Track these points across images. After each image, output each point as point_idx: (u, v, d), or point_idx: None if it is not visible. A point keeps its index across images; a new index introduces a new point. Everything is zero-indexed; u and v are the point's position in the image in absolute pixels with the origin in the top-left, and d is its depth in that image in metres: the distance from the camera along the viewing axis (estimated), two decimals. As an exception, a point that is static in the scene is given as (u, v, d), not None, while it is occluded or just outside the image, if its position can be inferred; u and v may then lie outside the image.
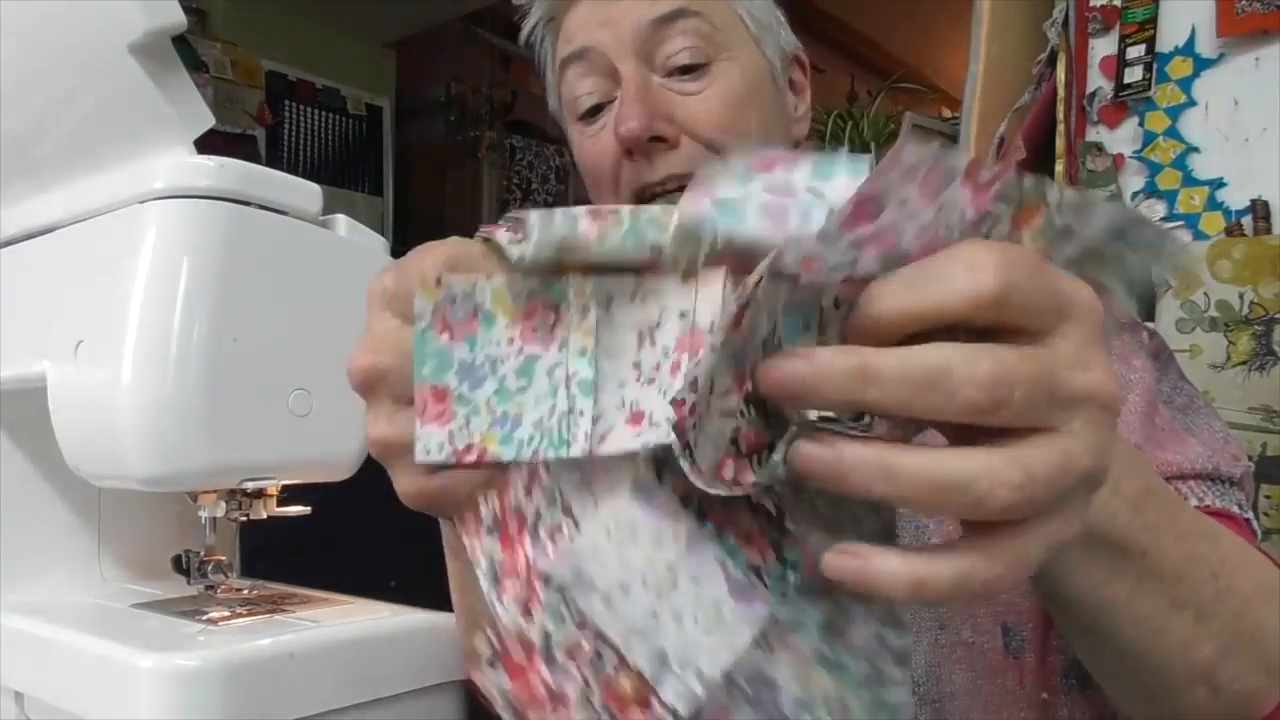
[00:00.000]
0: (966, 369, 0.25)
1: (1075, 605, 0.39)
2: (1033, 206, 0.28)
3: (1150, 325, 0.61)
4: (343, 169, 3.09)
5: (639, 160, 0.63)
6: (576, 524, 0.30)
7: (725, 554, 0.29)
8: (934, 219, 0.26)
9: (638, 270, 0.30)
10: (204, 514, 0.63)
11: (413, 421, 0.30)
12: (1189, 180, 1.37)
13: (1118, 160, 1.42)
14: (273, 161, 2.81)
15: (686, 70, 0.63)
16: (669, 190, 0.63)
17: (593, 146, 0.66)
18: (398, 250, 0.43)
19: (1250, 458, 0.97)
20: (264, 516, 0.64)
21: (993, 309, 0.25)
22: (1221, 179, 1.34)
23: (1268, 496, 1.22)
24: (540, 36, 0.70)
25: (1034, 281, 0.26)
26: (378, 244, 0.66)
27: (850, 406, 0.26)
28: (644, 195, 0.64)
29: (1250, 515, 0.54)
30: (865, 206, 0.25)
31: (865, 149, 1.96)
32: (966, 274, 0.25)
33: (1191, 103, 1.36)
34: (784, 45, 0.69)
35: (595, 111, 0.65)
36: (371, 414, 0.32)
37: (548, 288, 0.30)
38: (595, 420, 0.29)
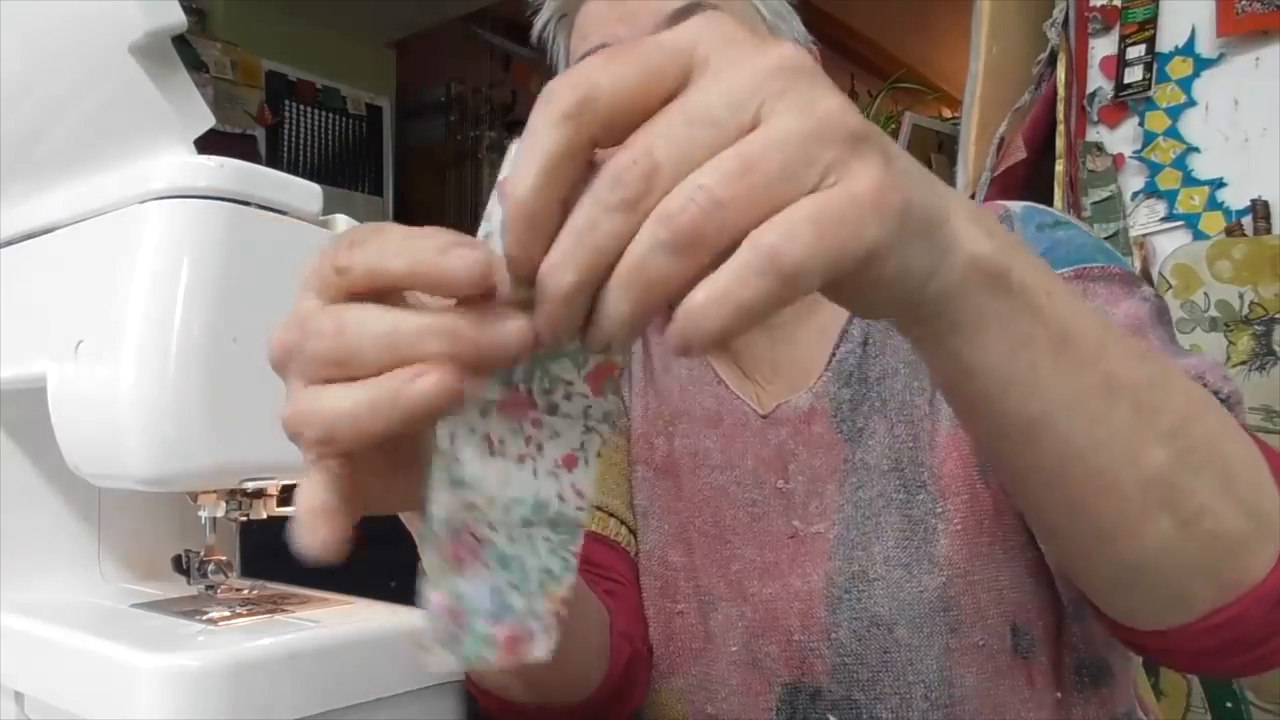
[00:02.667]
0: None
1: (993, 389, 0.34)
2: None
3: (1152, 287, 0.60)
4: (343, 169, 3.10)
5: None
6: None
7: None
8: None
9: None
10: (204, 514, 0.63)
11: (319, 397, 0.30)
12: (1189, 180, 1.37)
13: (1118, 160, 1.42)
14: (273, 161, 2.81)
15: None
16: None
17: None
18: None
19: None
20: (264, 516, 0.64)
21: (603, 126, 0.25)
22: (1221, 179, 1.34)
23: (1268, 496, 1.22)
24: (552, 34, 0.70)
25: (620, 65, 0.25)
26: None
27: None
28: None
29: None
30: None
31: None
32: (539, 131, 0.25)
33: (1191, 103, 1.36)
34: (797, 37, 0.69)
35: None
36: (286, 391, 0.31)
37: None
38: None
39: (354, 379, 0.28)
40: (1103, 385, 0.35)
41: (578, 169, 0.26)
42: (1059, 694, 0.60)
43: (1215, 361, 0.53)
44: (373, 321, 0.28)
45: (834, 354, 0.68)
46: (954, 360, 0.34)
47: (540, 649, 0.34)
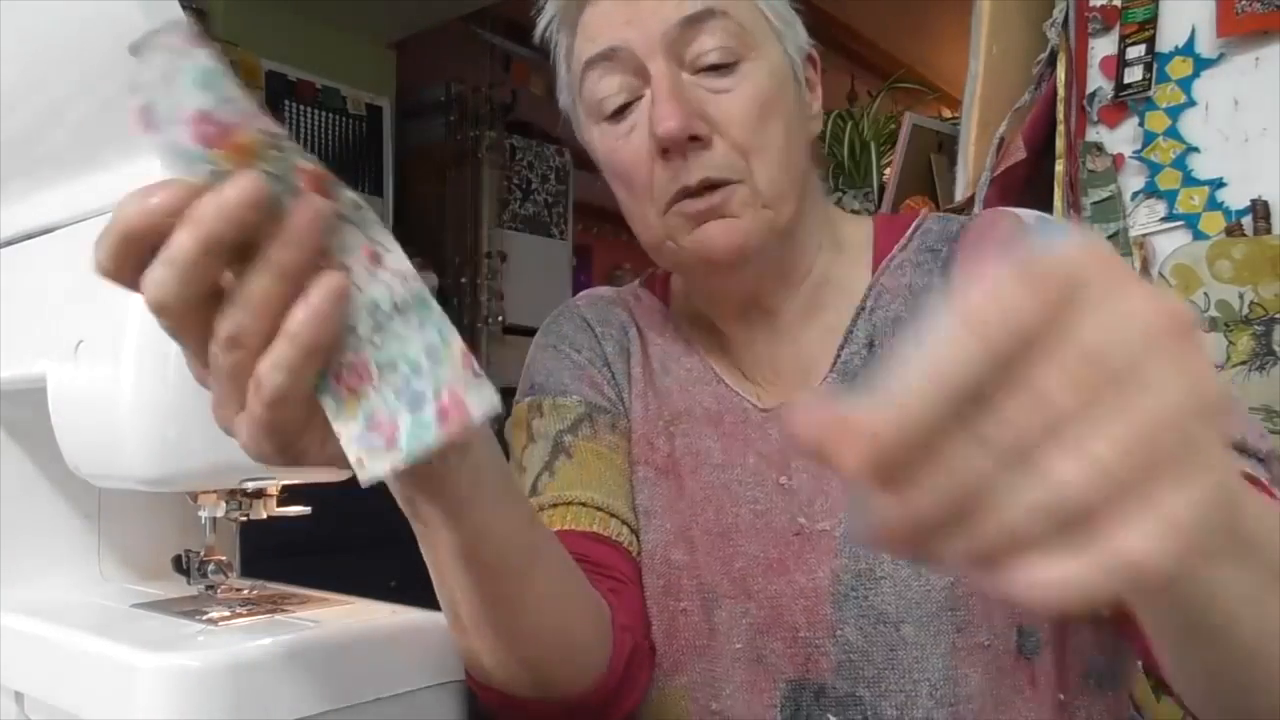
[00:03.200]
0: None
1: (1213, 630, 0.35)
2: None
3: None
4: (343, 169, 3.07)
5: (674, 160, 0.63)
6: None
7: None
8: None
9: None
10: (204, 514, 0.63)
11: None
12: (1189, 180, 1.37)
13: (1118, 160, 1.42)
14: (273, 161, 2.80)
15: (716, 68, 0.63)
16: (702, 192, 0.63)
17: (625, 149, 0.65)
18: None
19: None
20: (264, 516, 0.64)
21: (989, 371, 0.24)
22: (1221, 179, 1.34)
23: (1268, 496, 1.22)
24: (554, 35, 0.69)
25: (1015, 298, 0.24)
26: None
27: None
28: (679, 198, 0.64)
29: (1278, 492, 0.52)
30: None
31: (865, 149, 1.96)
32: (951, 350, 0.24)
33: (1191, 103, 1.36)
34: (801, 42, 0.69)
35: (621, 111, 0.65)
36: None
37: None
38: None
39: None
40: None
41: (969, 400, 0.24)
42: (1061, 696, 0.60)
43: (1249, 418, 0.56)
44: None
45: (839, 355, 0.68)
46: (1184, 620, 0.34)
47: (476, 406, 0.37)
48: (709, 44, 0.62)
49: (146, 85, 0.33)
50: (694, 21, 0.62)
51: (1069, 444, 0.23)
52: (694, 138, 0.62)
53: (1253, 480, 0.51)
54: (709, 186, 0.63)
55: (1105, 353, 0.23)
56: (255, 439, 0.38)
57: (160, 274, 0.35)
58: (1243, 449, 0.53)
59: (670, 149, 0.62)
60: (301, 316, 0.35)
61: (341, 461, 0.39)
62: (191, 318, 0.36)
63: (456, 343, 0.37)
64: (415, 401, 0.37)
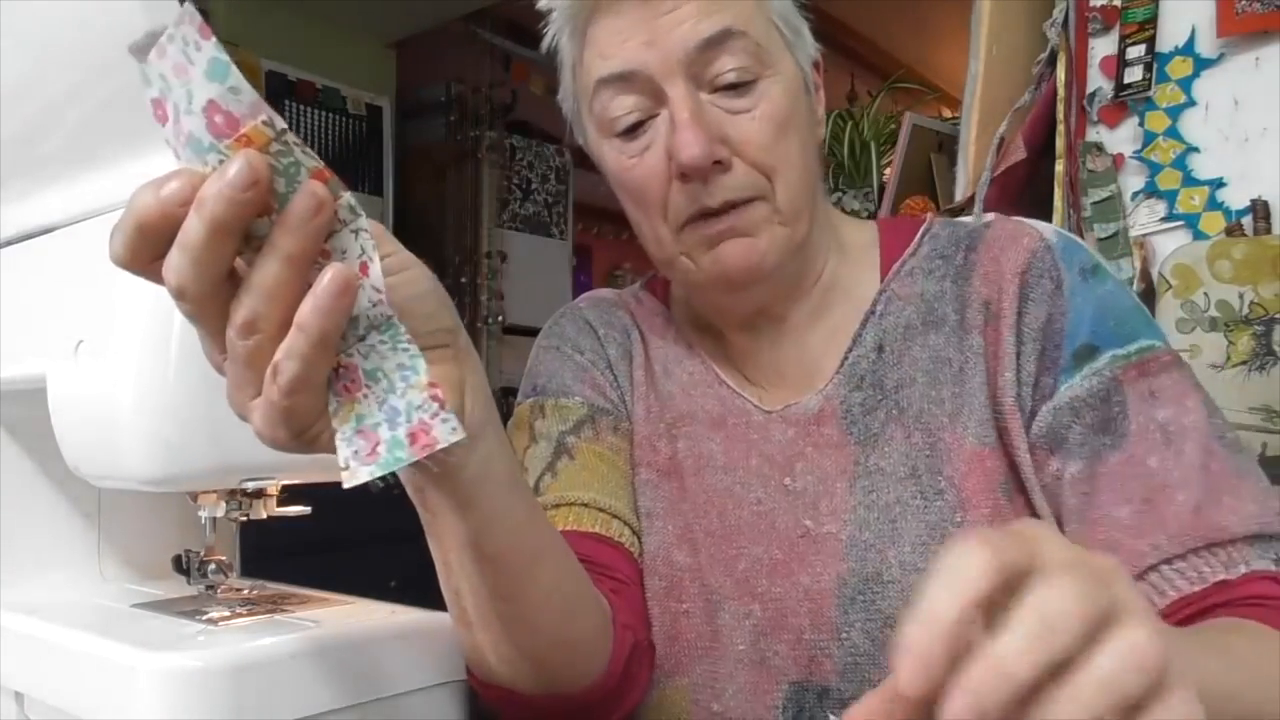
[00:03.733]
0: None
1: None
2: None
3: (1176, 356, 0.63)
4: (343, 169, 3.07)
5: (694, 184, 0.62)
6: None
7: None
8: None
9: None
10: (204, 514, 0.63)
11: None
12: (1189, 180, 1.37)
13: (1118, 160, 1.42)
14: (273, 161, 2.80)
15: (734, 87, 0.62)
16: (723, 213, 0.63)
17: (639, 168, 0.64)
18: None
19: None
20: (264, 516, 0.64)
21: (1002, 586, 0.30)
22: (1221, 179, 1.34)
23: (1268, 496, 1.22)
24: (561, 40, 0.68)
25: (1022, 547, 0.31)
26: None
27: None
28: (699, 217, 0.63)
29: None
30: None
31: (865, 149, 1.96)
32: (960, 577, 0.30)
33: (1191, 103, 1.36)
34: (809, 50, 0.69)
35: (635, 129, 0.64)
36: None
37: None
38: None
39: None
40: None
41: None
42: None
43: (1268, 487, 0.58)
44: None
45: (846, 357, 0.68)
46: None
47: (442, 433, 0.39)
48: (728, 64, 0.62)
49: (161, 76, 0.33)
50: (713, 44, 0.61)
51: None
52: (716, 162, 0.62)
53: (1263, 576, 0.55)
54: (730, 206, 0.63)
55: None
56: (271, 424, 0.39)
57: (176, 259, 0.36)
58: (1264, 536, 0.56)
59: (691, 175, 0.62)
60: (309, 308, 0.36)
61: None
62: (210, 303, 0.37)
63: (423, 370, 0.39)
64: (392, 418, 0.39)
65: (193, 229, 0.35)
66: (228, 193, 0.34)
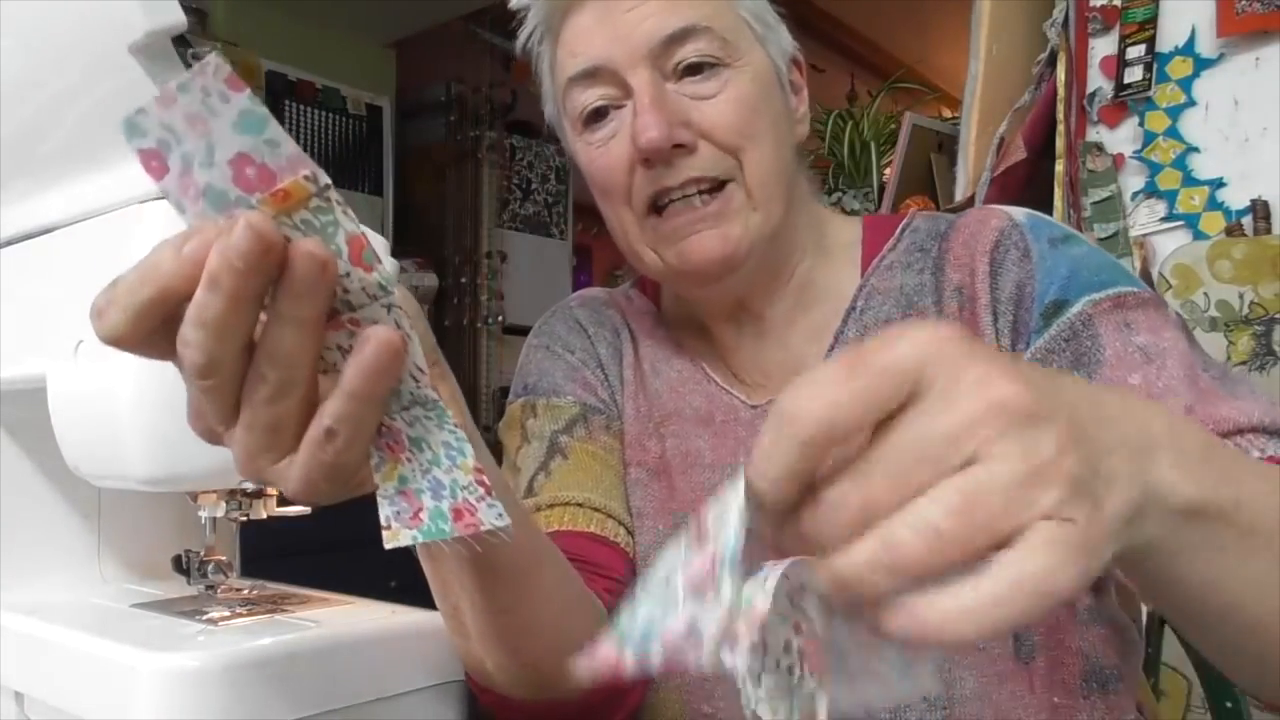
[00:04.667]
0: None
1: (1192, 593, 0.39)
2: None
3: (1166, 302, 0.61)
4: (343, 169, 3.09)
5: (657, 167, 0.63)
6: None
7: None
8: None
9: None
10: (204, 514, 0.63)
11: None
12: (1189, 180, 1.37)
13: (1118, 160, 1.42)
14: (273, 161, 2.80)
15: (698, 73, 0.63)
16: (687, 194, 0.63)
17: (602, 159, 0.65)
18: (397, 250, 0.43)
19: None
20: (264, 516, 0.64)
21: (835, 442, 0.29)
22: (1221, 179, 1.34)
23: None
24: (536, 46, 0.69)
25: (855, 384, 0.28)
26: (378, 244, 0.66)
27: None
28: (661, 198, 0.64)
29: None
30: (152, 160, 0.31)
31: (865, 149, 1.96)
32: (787, 427, 0.29)
33: (1191, 103, 1.36)
34: (785, 46, 0.69)
35: (599, 115, 0.65)
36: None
37: None
38: None
39: None
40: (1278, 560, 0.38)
41: (807, 480, 0.30)
42: (1056, 699, 0.60)
43: (1262, 394, 0.55)
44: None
45: (829, 355, 0.68)
46: (1154, 575, 0.38)
47: (487, 517, 0.38)
48: (691, 52, 0.63)
49: (164, 126, 0.31)
50: (676, 39, 0.62)
51: (908, 515, 0.28)
52: (678, 145, 0.62)
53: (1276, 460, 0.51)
54: (705, 189, 0.63)
55: (928, 442, 0.28)
56: (314, 481, 0.37)
57: (197, 337, 0.33)
58: (1272, 430, 0.53)
59: (653, 158, 0.62)
60: (352, 372, 0.34)
61: None
62: (233, 378, 0.35)
63: (470, 454, 0.38)
64: (436, 489, 0.38)
65: (208, 303, 0.32)
66: (238, 265, 0.31)
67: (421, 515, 0.38)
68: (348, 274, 0.34)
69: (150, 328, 0.34)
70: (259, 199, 0.32)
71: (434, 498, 0.38)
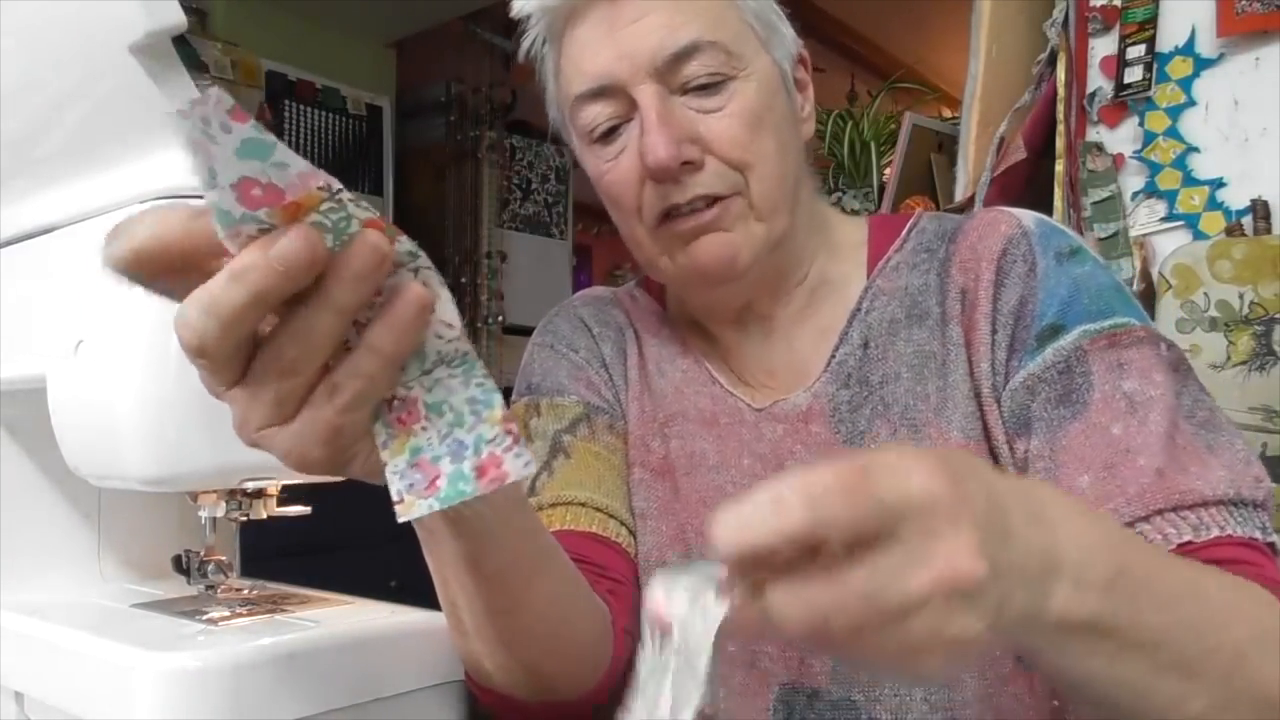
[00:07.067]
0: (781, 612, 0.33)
1: (1061, 677, 0.43)
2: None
3: (1168, 338, 0.61)
4: (343, 169, 3.09)
5: (665, 184, 0.63)
6: None
7: None
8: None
9: None
10: (204, 514, 0.63)
11: None
12: (1189, 180, 1.37)
13: (1118, 160, 1.42)
14: (273, 161, 2.79)
15: (704, 88, 0.63)
16: (696, 210, 0.63)
17: (613, 173, 0.65)
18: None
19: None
20: (264, 516, 0.64)
21: (810, 540, 0.31)
22: (1221, 179, 1.34)
23: (1268, 496, 1.22)
24: (540, 48, 0.69)
25: (847, 508, 0.31)
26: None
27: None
28: (670, 214, 0.64)
29: (1274, 538, 0.54)
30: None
31: (865, 149, 1.96)
32: (774, 513, 0.31)
33: (1191, 103, 1.36)
34: (788, 45, 0.68)
35: (610, 134, 0.65)
36: None
37: None
38: None
39: None
40: (1154, 669, 0.42)
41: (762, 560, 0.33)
42: (1056, 702, 0.60)
43: (1249, 458, 0.56)
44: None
45: (833, 355, 0.68)
46: (1045, 666, 0.43)
47: (514, 468, 0.38)
48: (698, 70, 0.62)
49: (189, 145, 0.32)
50: (681, 57, 0.62)
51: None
52: (686, 163, 0.62)
53: (1238, 542, 0.53)
54: (710, 203, 0.63)
55: (881, 590, 0.32)
56: (310, 443, 0.38)
57: (200, 322, 0.34)
58: (1237, 502, 0.54)
59: (661, 177, 0.62)
60: (381, 328, 0.35)
61: (378, 476, 0.39)
62: (232, 362, 0.36)
63: (498, 404, 0.38)
64: (457, 451, 0.38)
65: (228, 296, 0.33)
66: (280, 268, 0.33)
67: (438, 482, 0.38)
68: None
69: (142, 266, 0.35)
70: (267, 213, 0.33)
71: (454, 460, 0.38)
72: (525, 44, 0.69)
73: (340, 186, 0.34)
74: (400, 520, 0.38)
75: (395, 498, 0.38)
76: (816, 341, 0.70)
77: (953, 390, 0.64)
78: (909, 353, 0.66)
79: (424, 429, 0.38)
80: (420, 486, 0.38)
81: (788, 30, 0.69)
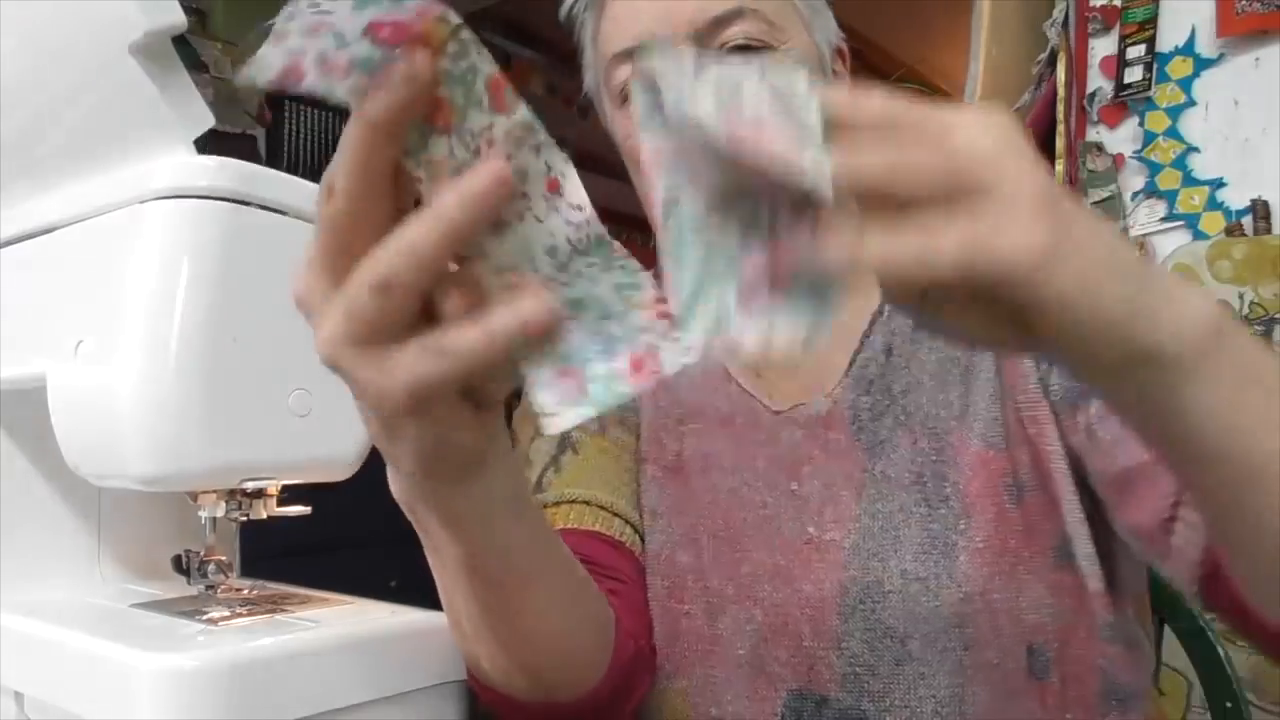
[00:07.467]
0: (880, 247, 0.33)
1: (1213, 439, 0.37)
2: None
3: None
4: (343, 169, 3.09)
5: None
6: None
7: None
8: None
9: None
10: (204, 514, 0.63)
11: None
12: (1189, 180, 1.37)
13: (1118, 160, 1.42)
14: (272, 161, 2.80)
15: (743, 49, 0.63)
16: None
17: None
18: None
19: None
20: (264, 516, 0.64)
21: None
22: (1221, 179, 1.34)
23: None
24: (582, 12, 0.70)
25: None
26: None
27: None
28: None
29: None
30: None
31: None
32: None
33: (1191, 103, 1.36)
34: (830, 34, 0.69)
35: None
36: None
37: None
38: None
39: None
40: None
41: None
42: (1069, 716, 0.60)
43: None
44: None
45: (854, 360, 0.68)
46: (1159, 405, 0.37)
47: (670, 359, 0.35)
48: (736, 34, 0.62)
49: (284, 53, 0.31)
50: (723, 21, 0.62)
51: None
52: None
53: None
54: None
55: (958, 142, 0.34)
56: (343, 321, 0.34)
57: (396, 262, 0.32)
58: None
59: None
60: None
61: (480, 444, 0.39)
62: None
63: (648, 285, 0.35)
64: (609, 349, 0.35)
65: (425, 236, 0.32)
66: (471, 205, 0.31)
67: (588, 387, 0.34)
68: (491, 125, 0.33)
69: (393, 120, 0.33)
70: (399, 52, 0.31)
71: (606, 359, 0.35)
72: (565, 6, 0.70)
73: (460, 21, 0.32)
74: (549, 431, 0.35)
75: (548, 410, 0.34)
76: (838, 343, 0.69)
77: (976, 397, 0.63)
78: (932, 360, 0.66)
79: (570, 332, 0.35)
80: (570, 395, 0.34)
81: (830, 18, 0.69)
